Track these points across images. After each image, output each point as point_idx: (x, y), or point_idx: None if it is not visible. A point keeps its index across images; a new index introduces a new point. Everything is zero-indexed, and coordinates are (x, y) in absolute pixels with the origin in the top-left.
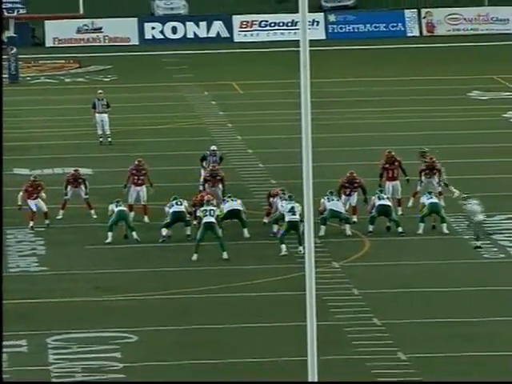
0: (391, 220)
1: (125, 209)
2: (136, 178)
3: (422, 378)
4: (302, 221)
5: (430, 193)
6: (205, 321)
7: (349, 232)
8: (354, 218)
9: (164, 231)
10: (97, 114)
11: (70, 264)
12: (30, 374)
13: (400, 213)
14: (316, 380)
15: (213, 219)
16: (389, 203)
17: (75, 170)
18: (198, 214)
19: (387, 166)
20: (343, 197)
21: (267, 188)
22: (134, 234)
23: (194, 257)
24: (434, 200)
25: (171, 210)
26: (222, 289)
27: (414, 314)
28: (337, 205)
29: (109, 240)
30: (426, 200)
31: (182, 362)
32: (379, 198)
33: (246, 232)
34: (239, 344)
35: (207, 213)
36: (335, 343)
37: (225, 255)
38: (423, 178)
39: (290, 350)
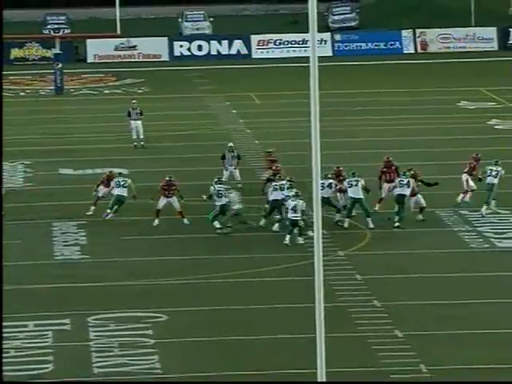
0: (399, 211)
1: None
2: (167, 192)
3: (417, 354)
4: (302, 218)
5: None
6: (224, 303)
7: (371, 225)
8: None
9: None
10: (132, 121)
11: (108, 252)
12: (72, 349)
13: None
14: (323, 353)
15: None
16: (405, 193)
17: (110, 172)
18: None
19: (385, 169)
20: (384, 184)
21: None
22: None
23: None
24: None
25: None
26: (238, 275)
27: (410, 297)
28: (357, 191)
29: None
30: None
31: (205, 339)
32: (399, 185)
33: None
34: (255, 323)
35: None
36: (340, 322)
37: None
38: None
39: (301, 328)
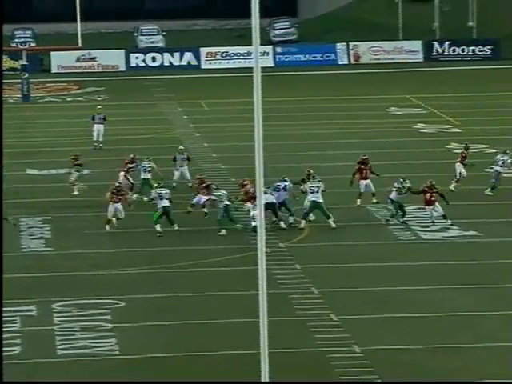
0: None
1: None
2: (115, 196)
3: (351, 335)
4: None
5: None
6: (178, 290)
7: (333, 225)
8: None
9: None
10: (95, 125)
11: (71, 245)
12: (38, 333)
13: (375, 201)
14: (266, 335)
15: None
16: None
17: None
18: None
19: (362, 167)
20: (361, 181)
21: (228, 184)
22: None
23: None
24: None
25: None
26: (191, 265)
27: (345, 284)
28: (318, 196)
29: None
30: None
31: (160, 323)
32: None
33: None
34: (205, 308)
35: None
36: (281, 308)
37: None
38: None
39: (245, 313)
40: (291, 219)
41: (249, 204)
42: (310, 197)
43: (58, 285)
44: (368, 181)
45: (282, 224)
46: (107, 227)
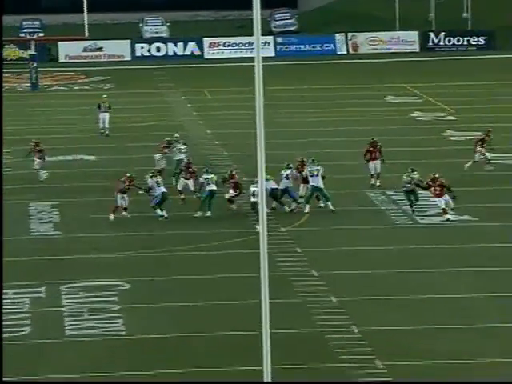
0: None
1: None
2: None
3: (349, 317)
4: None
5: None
6: (182, 273)
7: (332, 208)
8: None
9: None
10: (100, 113)
11: (79, 229)
12: (47, 314)
13: (378, 184)
14: (268, 316)
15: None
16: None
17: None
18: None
19: (371, 149)
20: (370, 162)
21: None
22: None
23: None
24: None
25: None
26: (195, 248)
27: (343, 267)
28: (318, 181)
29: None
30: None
31: (164, 305)
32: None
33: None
34: (208, 290)
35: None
36: (282, 290)
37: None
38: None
39: (247, 294)
40: (294, 205)
41: (252, 188)
42: (311, 180)
43: (66, 267)
44: (377, 161)
45: (286, 208)
46: (111, 217)
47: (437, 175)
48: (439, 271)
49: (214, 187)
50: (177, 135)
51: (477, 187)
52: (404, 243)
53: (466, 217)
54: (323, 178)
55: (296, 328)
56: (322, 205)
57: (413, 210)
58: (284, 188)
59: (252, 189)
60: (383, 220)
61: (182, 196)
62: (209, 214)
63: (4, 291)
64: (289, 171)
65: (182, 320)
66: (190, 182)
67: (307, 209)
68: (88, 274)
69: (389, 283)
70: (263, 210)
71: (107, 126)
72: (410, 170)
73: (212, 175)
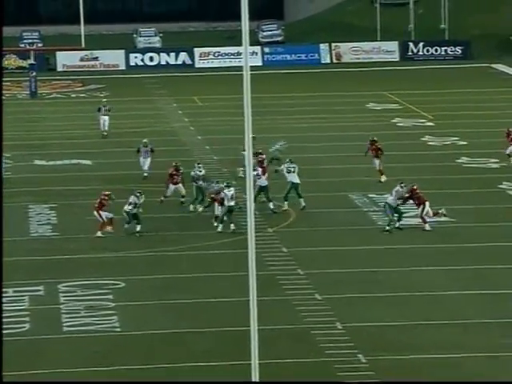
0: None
1: None
2: (176, 178)
3: (333, 313)
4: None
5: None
6: (174, 272)
7: (303, 204)
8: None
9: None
10: (101, 116)
11: (75, 230)
12: (45, 312)
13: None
14: (255, 313)
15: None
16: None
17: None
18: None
19: (374, 147)
20: (374, 159)
21: (220, 174)
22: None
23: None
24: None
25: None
26: (186, 248)
27: (328, 266)
28: (294, 177)
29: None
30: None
31: (157, 302)
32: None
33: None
34: (199, 288)
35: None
36: (269, 288)
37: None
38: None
39: (237, 293)
40: (271, 205)
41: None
42: (288, 177)
43: (64, 267)
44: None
45: (271, 205)
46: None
47: (415, 187)
48: (420, 269)
49: (232, 203)
50: (145, 140)
51: (455, 189)
52: (385, 243)
53: (443, 218)
54: (298, 175)
55: (283, 324)
56: (278, 168)
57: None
58: (265, 185)
59: (229, 193)
60: (365, 221)
61: (162, 199)
62: (232, 227)
63: (4, 290)
64: (259, 169)
65: (175, 317)
66: (180, 187)
67: (286, 206)
68: (84, 272)
69: (371, 281)
70: (251, 212)
71: (107, 128)
72: (402, 185)
73: (231, 190)
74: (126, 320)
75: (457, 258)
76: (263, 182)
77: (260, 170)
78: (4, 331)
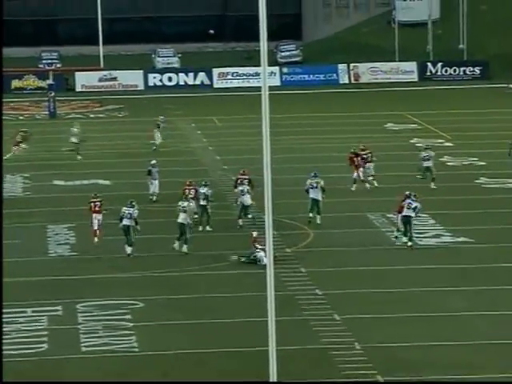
0: (406, 231)
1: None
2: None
3: (351, 334)
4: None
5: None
6: (192, 292)
7: (319, 221)
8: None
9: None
10: (157, 132)
11: (93, 250)
12: (64, 332)
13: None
14: (274, 333)
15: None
16: (411, 214)
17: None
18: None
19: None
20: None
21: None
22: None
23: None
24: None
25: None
26: (204, 268)
27: (346, 286)
28: (316, 193)
29: None
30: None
31: (175, 323)
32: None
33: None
34: (217, 308)
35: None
36: (288, 308)
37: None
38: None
39: (255, 313)
40: (240, 221)
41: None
42: (310, 192)
43: (82, 287)
44: (360, 169)
45: (240, 222)
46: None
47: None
48: (437, 290)
49: (203, 203)
50: (153, 161)
51: (474, 210)
52: (403, 263)
53: (462, 238)
54: (323, 190)
55: (301, 344)
56: (311, 215)
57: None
58: (249, 204)
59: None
60: (384, 241)
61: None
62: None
63: (23, 309)
64: (247, 187)
65: (193, 337)
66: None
67: (319, 220)
68: (102, 292)
69: (390, 301)
70: (269, 233)
71: (157, 142)
72: (414, 195)
73: (206, 189)
74: (144, 340)
75: (473, 279)
76: (247, 200)
77: (248, 187)
78: (23, 351)
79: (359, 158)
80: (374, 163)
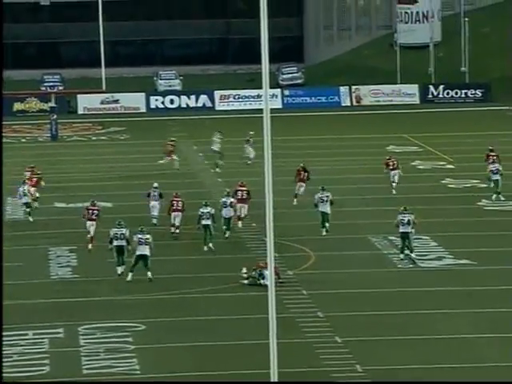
0: (403, 247)
1: None
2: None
3: (353, 356)
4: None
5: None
6: (193, 314)
7: (324, 233)
8: None
9: None
10: (249, 147)
11: (95, 272)
12: (65, 354)
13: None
14: (276, 355)
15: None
16: (408, 230)
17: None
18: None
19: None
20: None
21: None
22: None
23: None
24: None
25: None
26: (205, 291)
27: (348, 308)
28: (326, 207)
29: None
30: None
31: (177, 345)
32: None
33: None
34: (219, 330)
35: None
36: (289, 331)
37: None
38: None
39: (257, 335)
40: (228, 233)
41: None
42: (320, 206)
43: (84, 309)
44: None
45: (227, 234)
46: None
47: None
48: (439, 312)
49: (207, 222)
50: (155, 185)
51: (476, 232)
52: (406, 286)
53: (464, 260)
54: (331, 203)
55: (303, 367)
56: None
57: (407, 256)
58: (228, 217)
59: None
60: (386, 263)
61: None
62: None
63: (24, 332)
64: (232, 199)
65: (195, 359)
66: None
67: (324, 232)
68: (104, 315)
69: (391, 324)
70: (271, 255)
71: (252, 156)
72: (402, 209)
73: (209, 209)
74: (146, 362)
75: (477, 301)
76: (228, 213)
77: (233, 200)
78: (25, 373)
79: (306, 174)
80: (398, 171)
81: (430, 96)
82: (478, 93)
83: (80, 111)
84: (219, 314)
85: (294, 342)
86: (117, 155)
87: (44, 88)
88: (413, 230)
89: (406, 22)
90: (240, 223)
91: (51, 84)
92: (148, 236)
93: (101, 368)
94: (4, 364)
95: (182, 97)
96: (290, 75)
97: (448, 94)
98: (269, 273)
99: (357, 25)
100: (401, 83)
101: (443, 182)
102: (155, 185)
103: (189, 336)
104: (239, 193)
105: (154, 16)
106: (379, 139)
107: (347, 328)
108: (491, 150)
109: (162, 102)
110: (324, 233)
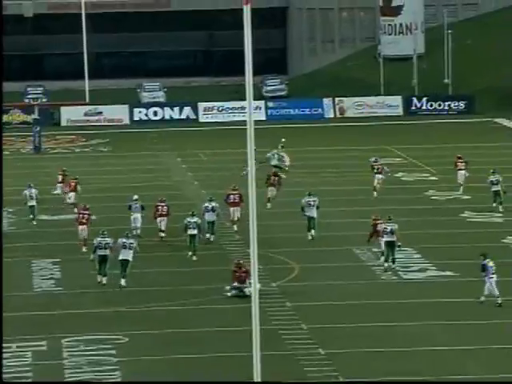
0: (388, 255)
1: None
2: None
3: (336, 368)
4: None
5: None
6: (176, 326)
7: (310, 237)
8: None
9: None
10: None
11: (78, 285)
12: (48, 367)
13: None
14: (259, 368)
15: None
16: (393, 239)
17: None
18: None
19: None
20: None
21: (225, 228)
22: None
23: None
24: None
25: None
26: (188, 303)
27: (331, 320)
28: (312, 211)
29: None
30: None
31: (160, 357)
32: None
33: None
34: (202, 342)
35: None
36: (273, 343)
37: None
38: None
39: (240, 346)
40: (212, 237)
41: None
42: (306, 210)
43: (67, 321)
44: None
45: (212, 238)
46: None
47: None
48: (423, 324)
49: (194, 232)
50: (135, 197)
51: (459, 244)
52: (389, 298)
53: (447, 272)
54: (317, 208)
55: (286, 379)
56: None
57: (388, 267)
58: (212, 221)
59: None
60: (369, 275)
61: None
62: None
63: (8, 345)
64: (214, 204)
65: (178, 372)
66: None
67: (310, 236)
68: (87, 327)
69: (375, 336)
70: (255, 268)
71: (287, 163)
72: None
73: (196, 219)
74: (129, 375)
75: (459, 313)
76: (210, 217)
77: (215, 205)
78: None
79: (277, 178)
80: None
81: (414, 108)
82: (462, 105)
83: (63, 123)
84: (202, 326)
85: (277, 354)
86: (100, 167)
87: (27, 100)
88: (396, 240)
89: (390, 34)
90: (235, 226)
91: (34, 96)
92: (132, 241)
93: (84, 381)
94: None
95: (165, 109)
96: (274, 87)
97: (431, 105)
98: (253, 285)
99: (340, 37)
100: (384, 95)
101: (426, 193)
102: (135, 197)
103: (172, 348)
104: (231, 196)
105: (138, 28)
106: (363, 151)
107: (331, 340)
108: (459, 158)
109: (146, 114)
110: (309, 237)
